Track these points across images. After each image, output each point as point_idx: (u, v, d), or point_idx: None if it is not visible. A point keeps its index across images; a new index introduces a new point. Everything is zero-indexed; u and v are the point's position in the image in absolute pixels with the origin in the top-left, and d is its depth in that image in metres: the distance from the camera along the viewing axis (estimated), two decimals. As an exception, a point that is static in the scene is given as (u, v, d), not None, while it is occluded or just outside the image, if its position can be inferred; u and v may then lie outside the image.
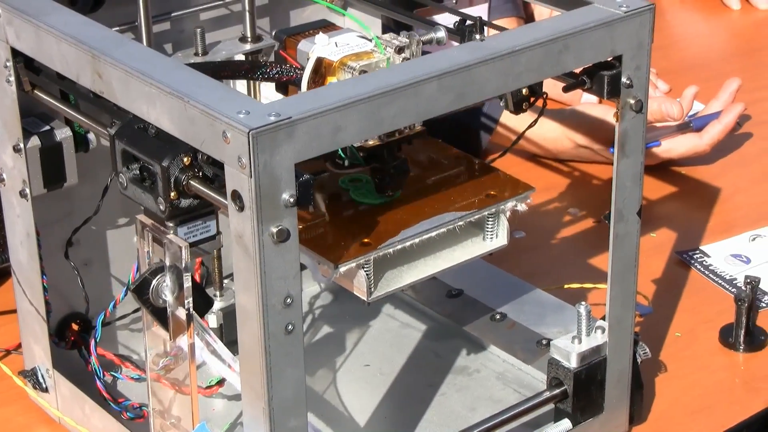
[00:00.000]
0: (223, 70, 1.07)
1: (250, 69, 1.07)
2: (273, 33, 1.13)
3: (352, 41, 1.04)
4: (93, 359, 1.12)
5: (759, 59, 1.92)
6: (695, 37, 1.99)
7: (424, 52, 1.03)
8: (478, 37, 1.11)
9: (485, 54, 0.96)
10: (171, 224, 0.97)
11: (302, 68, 1.04)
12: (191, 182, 0.95)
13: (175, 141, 0.93)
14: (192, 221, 0.98)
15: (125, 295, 1.08)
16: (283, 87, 1.08)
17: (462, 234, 1.06)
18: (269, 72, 1.06)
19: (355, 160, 1.04)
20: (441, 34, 1.09)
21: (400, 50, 1.02)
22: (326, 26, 1.11)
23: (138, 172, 0.98)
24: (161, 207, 0.96)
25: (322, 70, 1.02)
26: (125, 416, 1.13)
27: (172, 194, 0.95)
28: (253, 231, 0.87)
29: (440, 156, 1.14)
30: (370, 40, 1.04)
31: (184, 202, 0.96)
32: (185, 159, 0.94)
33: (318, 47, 1.03)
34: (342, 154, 1.04)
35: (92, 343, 1.12)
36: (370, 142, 1.03)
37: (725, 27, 2.06)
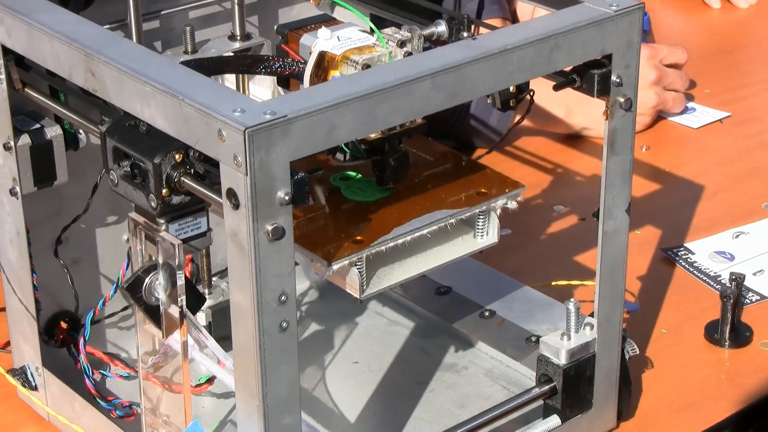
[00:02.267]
0: (226, 65, 1.07)
1: (252, 63, 1.07)
2: (275, 27, 1.13)
3: (354, 35, 1.04)
4: (82, 357, 1.12)
5: (739, 58, 1.93)
6: (676, 36, 2.00)
7: (425, 48, 1.03)
8: (465, 34, 1.12)
9: (477, 53, 0.96)
10: (162, 221, 0.97)
11: (305, 62, 1.04)
12: (183, 179, 0.95)
13: (167, 138, 0.93)
14: (183, 218, 0.98)
15: (114, 292, 1.08)
16: (285, 81, 1.08)
17: (453, 232, 1.06)
18: (272, 66, 1.06)
19: (357, 152, 1.04)
20: (442, 28, 1.09)
21: (402, 44, 1.03)
22: (328, 21, 1.11)
23: (129, 169, 0.98)
24: (153, 204, 0.96)
25: (324, 64, 1.03)
26: (115, 414, 1.13)
27: (164, 191, 0.95)
28: (248, 229, 0.88)
29: (429, 153, 1.14)
30: (372, 35, 1.04)
31: (176, 199, 0.96)
32: (177, 156, 0.94)
33: (321, 41, 1.03)
34: (344, 147, 1.04)
35: (81, 341, 1.12)
36: (372, 136, 1.03)
37: (706, 26, 2.07)
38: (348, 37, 1.04)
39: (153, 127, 0.94)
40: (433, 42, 1.11)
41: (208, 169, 0.94)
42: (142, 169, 0.96)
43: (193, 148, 0.92)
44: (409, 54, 1.04)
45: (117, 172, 0.98)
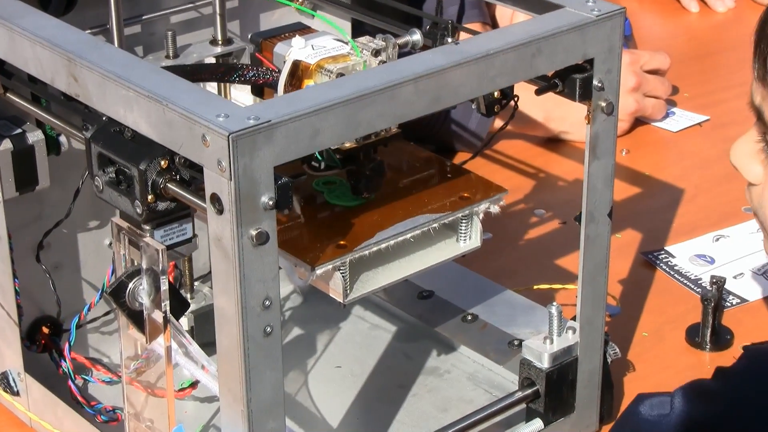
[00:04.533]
0: (200, 73, 1.07)
1: (227, 72, 1.07)
2: (249, 36, 1.13)
3: (329, 44, 1.04)
4: (67, 363, 1.12)
5: (717, 62, 1.94)
6: (654, 40, 2.00)
7: (400, 55, 1.03)
8: (450, 40, 1.12)
9: (460, 58, 0.96)
10: (147, 227, 0.97)
11: (279, 71, 1.04)
12: (168, 185, 0.95)
13: (152, 144, 0.93)
14: (169, 224, 0.98)
15: (100, 298, 1.08)
16: (259, 90, 1.08)
17: (436, 236, 1.06)
18: (245, 75, 1.06)
19: (331, 162, 1.04)
20: (417, 37, 1.09)
21: (376, 53, 1.03)
22: (302, 29, 1.11)
23: (114, 175, 0.98)
24: (138, 210, 0.96)
25: (298, 73, 1.03)
26: (99, 419, 1.13)
27: (149, 197, 0.95)
28: (232, 234, 0.88)
29: (412, 158, 1.14)
30: (347, 43, 1.04)
31: (161, 206, 0.96)
32: (162, 162, 0.94)
33: (295, 50, 1.03)
34: (319, 156, 1.04)
35: (66, 346, 1.12)
36: (347, 145, 1.03)
37: (683, 29, 2.08)
38: (322, 45, 1.04)
39: (138, 134, 0.94)
40: (407, 51, 1.11)
41: (193, 175, 0.94)
42: (128, 175, 0.96)
43: (179, 154, 0.92)
44: (383, 63, 1.04)
45: (102, 179, 0.98)
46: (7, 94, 1.08)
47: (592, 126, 1.05)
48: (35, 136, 1.11)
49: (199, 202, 0.92)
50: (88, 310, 1.11)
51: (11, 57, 1.03)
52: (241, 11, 1.28)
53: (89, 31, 1.16)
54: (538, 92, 1.06)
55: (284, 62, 1.03)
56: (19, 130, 1.11)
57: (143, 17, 1.21)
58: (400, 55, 1.04)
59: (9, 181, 1.10)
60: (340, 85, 0.93)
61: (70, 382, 1.13)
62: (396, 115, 0.94)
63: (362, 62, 1.02)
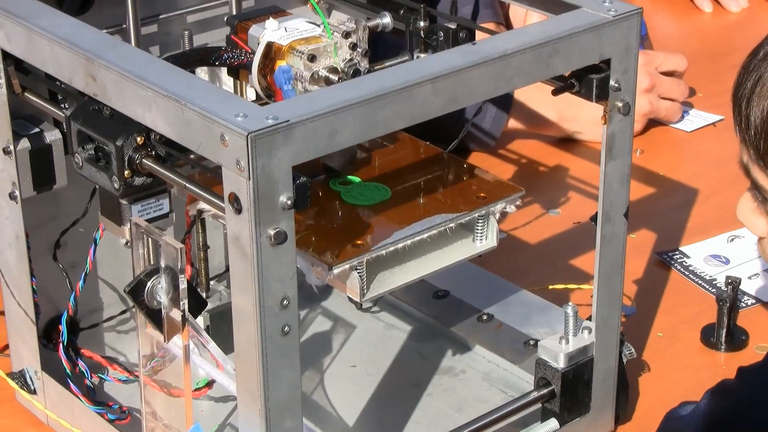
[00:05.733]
0: (186, 59, 1.09)
1: (206, 55, 1.09)
2: (225, 18, 1.15)
3: (302, 26, 1.07)
4: (62, 361, 1.13)
5: (731, 61, 1.92)
6: (667, 40, 2.00)
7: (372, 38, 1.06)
8: (422, 24, 1.13)
9: (477, 58, 0.97)
10: (125, 202, 1.00)
11: (253, 52, 1.06)
12: (144, 161, 0.98)
13: (129, 121, 0.96)
14: (146, 200, 1.01)
15: (83, 283, 1.09)
16: (235, 71, 1.10)
17: (452, 236, 1.07)
18: (221, 57, 1.08)
19: None
20: (387, 20, 1.12)
21: (347, 35, 1.05)
22: (277, 12, 1.13)
23: (93, 152, 1.01)
24: (115, 185, 0.99)
25: (272, 55, 1.05)
26: (106, 417, 1.13)
27: (126, 173, 0.98)
28: (250, 233, 0.88)
29: (428, 157, 1.15)
30: (320, 26, 1.06)
31: (138, 181, 0.99)
32: (138, 138, 0.97)
33: (268, 32, 1.06)
34: None
35: (60, 345, 1.13)
36: None
37: (697, 29, 2.08)
38: (295, 28, 1.06)
39: (116, 111, 0.96)
40: (377, 33, 1.12)
41: (169, 152, 0.97)
42: (106, 151, 0.99)
43: (155, 131, 0.95)
44: (354, 45, 1.06)
45: (81, 155, 1.01)
46: (25, 93, 1.08)
47: (609, 126, 1.05)
48: (53, 135, 1.11)
49: (174, 177, 0.95)
50: (74, 299, 1.11)
51: (29, 56, 1.03)
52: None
53: (106, 30, 1.16)
54: (555, 92, 1.06)
55: (258, 44, 1.05)
56: (36, 130, 1.11)
57: (160, 17, 1.22)
58: (372, 38, 1.06)
59: (27, 180, 1.11)
60: (358, 85, 0.93)
61: (68, 380, 1.13)
62: (413, 115, 0.94)
63: (333, 44, 1.04)
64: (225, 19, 1.15)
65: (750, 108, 0.97)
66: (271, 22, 1.06)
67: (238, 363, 0.94)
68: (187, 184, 0.95)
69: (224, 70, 1.13)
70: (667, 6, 2.13)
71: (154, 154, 0.98)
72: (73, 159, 1.01)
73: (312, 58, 1.03)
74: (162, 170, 0.97)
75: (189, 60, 1.09)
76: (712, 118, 1.75)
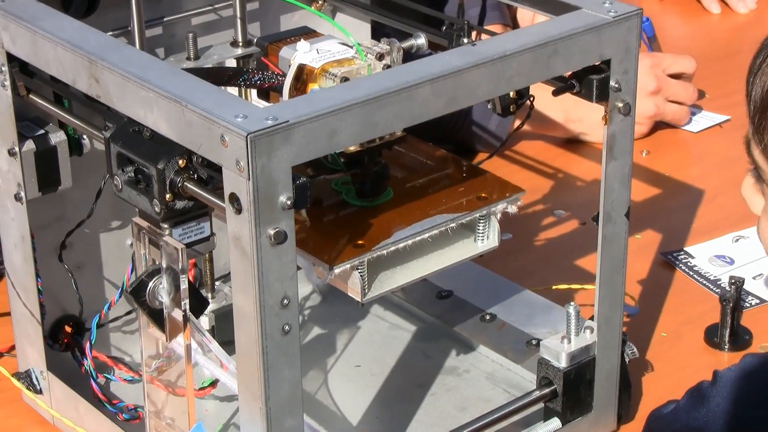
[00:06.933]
0: (209, 78, 1.08)
1: (233, 76, 1.08)
2: (255, 40, 1.14)
3: (334, 48, 1.05)
4: (88, 361, 1.13)
5: (738, 62, 1.92)
6: (676, 41, 2.00)
7: (405, 60, 1.04)
8: (466, 40, 1.13)
9: (477, 59, 0.97)
10: (166, 226, 0.98)
11: (284, 75, 1.05)
12: (186, 184, 0.96)
13: (171, 143, 0.94)
14: (186, 223, 0.99)
15: (120, 296, 1.09)
16: (265, 94, 1.09)
17: (453, 236, 1.07)
18: (251, 79, 1.07)
19: (336, 165, 1.05)
20: (421, 40, 1.10)
21: (380, 57, 1.04)
22: (308, 33, 1.12)
23: (133, 174, 0.99)
24: (156, 209, 0.97)
25: (303, 77, 1.04)
26: (121, 417, 1.14)
27: (168, 196, 0.96)
28: (250, 233, 0.89)
29: (429, 158, 1.15)
30: (351, 47, 1.05)
31: (179, 204, 0.97)
32: (180, 161, 0.96)
33: (300, 54, 1.04)
34: (323, 159, 1.05)
35: (87, 345, 1.13)
36: (351, 148, 1.04)
37: (705, 31, 2.08)
38: (327, 50, 1.05)
39: (157, 133, 0.95)
40: (413, 55, 1.12)
41: (211, 174, 0.95)
42: (146, 174, 0.97)
43: (197, 154, 0.93)
44: (388, 67, 1.04)
45: (121, 178, 0.99)
46: (30, 96, 1.09)
47: (609, 126, 1.06)
48: (58, 137, 1.12)
49: (217, 201, 0.93)
50: (109, 308, 1.11)
51: (33, 58, 1.04)
52: (261, 13, 1.29)
53: (111, 33, 1.17)
54: (555, 93, 1.06)
55: (289, 66, 1.04)
56: (41, 131, 1.12)
57: (164, 19, 1.22)
58: (406, 59, 1.04)
59: (32, 181, 1.11)
60: (358, 86, 0.93)
61: (91, 380, 1.14)
62: (413, 116, 0.95)
63: (366, 66, 1.03)
64: (255, 40, 1.15)
65: (754, 83, 0.97)
66: (302, 44, 1.05)
67: (239, 362, 0.94)
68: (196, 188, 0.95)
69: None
70: (675, 8, 2.14)
71: (196, 177, 0.96)
72: (112, 181, 0.99)
73: (345, 80, 1.02)
74: (206, 194, 0.94)
75: (219, 79, 1.09)
76: (719, 118, 1.75)
